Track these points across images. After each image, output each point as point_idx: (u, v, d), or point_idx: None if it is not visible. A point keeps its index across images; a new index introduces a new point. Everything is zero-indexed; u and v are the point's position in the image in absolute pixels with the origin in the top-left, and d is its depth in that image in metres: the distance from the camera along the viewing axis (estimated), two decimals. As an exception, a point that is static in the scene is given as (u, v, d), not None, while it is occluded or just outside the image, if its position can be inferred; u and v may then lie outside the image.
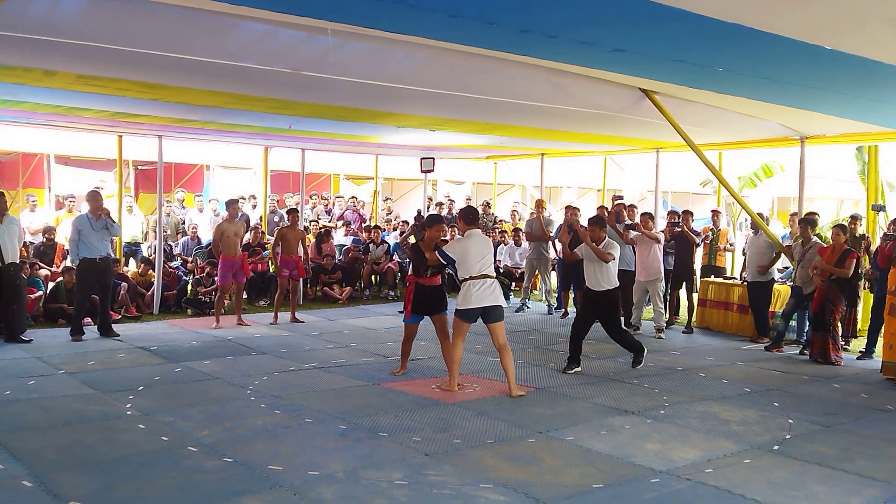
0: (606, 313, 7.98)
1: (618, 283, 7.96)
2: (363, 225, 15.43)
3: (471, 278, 6.69)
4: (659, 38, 5.79)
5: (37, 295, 10.12)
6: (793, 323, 9.87)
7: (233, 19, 5.80)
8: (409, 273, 7.48)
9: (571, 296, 12.25)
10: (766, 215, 11.24)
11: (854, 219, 10.30)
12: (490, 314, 6.75)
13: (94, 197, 9.42)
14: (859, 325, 10.21)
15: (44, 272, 10.68)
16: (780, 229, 14.53)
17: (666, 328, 10.63)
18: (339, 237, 14.94)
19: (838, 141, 10.88)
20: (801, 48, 5.67)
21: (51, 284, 10.58)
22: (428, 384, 7.23)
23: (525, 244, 13.56)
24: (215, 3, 5.24)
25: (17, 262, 8.87)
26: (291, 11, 5.47)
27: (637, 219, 10.88)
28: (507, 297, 13.47)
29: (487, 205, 16.45)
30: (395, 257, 14.10)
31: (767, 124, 9.88)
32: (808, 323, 9.49)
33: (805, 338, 9.54)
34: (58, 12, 5.49)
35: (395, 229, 15.33)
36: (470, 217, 6.96)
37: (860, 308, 10.31)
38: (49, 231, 11.39)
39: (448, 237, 14.27)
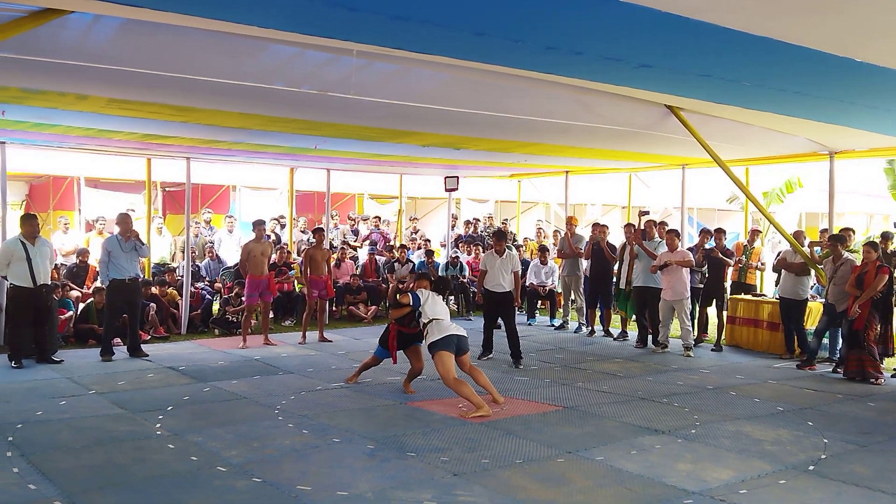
0: (506, 312, 9.47)
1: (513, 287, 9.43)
2: (386, 244, 15.47)
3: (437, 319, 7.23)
4: (685, 52, 5.77)
5: (67, 316, 10.25)
6: (825, 341, 9.71)
7: (261, 42, 5.89)
8: (393, 321, 7.84)
9: (598, 314, 12.17)
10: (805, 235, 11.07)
11: (886, 236, 10.13)
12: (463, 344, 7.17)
13: (124, 219, 9.53)
14: (893, 343, 9.99)
15: (75, 293, 10.82)
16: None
17: (694, 346, 10.50)
18: (365, 256, 14.95)
19: (868, 155, 10.76)
20: (832, 61, 5.61)
21: (81, 305, 10.72)
22: (455, 403, 7.19)
23: (551, 262, 13.57)
24: (244, 26, 5.32)
25: (49, 283, 8.99)
26: (318, 33, 5.52)
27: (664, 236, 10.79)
28: (532, 315, 13.45)
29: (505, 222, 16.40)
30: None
31: (795, 139, 9.79)
32: (840, 341, 9.33)
33: (838, 356, 9.37)
34: (90, 38, 5.60)
35: (419, 248, 15.34)
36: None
37: (894, 325, 10.09)
38: (83, 253, 11.55)
39: (474, 256, 14.29)
